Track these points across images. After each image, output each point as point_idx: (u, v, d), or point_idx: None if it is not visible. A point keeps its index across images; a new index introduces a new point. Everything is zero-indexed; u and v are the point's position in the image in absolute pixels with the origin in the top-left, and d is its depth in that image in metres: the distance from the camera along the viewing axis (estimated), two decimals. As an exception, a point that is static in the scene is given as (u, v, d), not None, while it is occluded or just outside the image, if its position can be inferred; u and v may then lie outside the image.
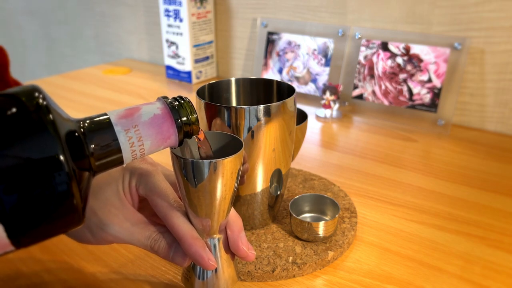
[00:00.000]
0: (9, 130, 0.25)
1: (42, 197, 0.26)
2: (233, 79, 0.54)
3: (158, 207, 0.36)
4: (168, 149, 0.35)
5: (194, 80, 1.12)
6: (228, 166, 0.34)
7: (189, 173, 0.34)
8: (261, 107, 0.44)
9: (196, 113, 0.33)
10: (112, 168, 0.31)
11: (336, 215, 0.49)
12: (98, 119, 0.31)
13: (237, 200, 0.49)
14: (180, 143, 0.33)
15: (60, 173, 0.26)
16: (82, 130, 0.30)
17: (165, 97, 0.33)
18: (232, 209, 0.39)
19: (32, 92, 0.28)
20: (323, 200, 0.53)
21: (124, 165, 0.32)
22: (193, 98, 0.49)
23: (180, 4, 1.06)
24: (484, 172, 0.67)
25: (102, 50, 1.50)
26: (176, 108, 0.32)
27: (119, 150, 0.31)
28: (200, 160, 0.33)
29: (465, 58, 0.79)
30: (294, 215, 0.49)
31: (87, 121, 0.30)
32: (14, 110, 0.26)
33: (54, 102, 0.29)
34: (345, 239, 0.49)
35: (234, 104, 0.54)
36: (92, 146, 0.30)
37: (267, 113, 0.45)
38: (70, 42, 1.61)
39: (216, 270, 0.38)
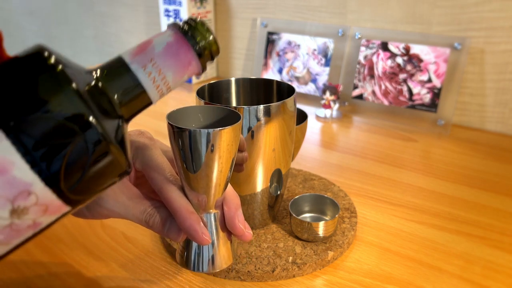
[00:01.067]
0: (38, 92, 0.26)
1: (82, 154, 0.26)
2: (233, 79, 0.54)
3: (154, 180, 0.36)
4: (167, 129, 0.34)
5: (194, 80, 1.12)
6: (224, 137, 0.33)
7: (185, 143, 0.33)
8: (261, 107, 0.44)
9: (212, 33, 0.32)
10: (143, 109, 0.31)
11: (336, 215, 0.49)
12: (112, 64, 0.30)
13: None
14: (204, 67, 0.32)
15: (94, 127, 0.26)
16: (100, 80, 0.29)
17: (176, 23, 0.32)
18: (230, 187, 0.38)
19: (41, 52, 0.27)
20: (323, 200, 0.53)
21: (154, 104, 0.32)
22: (193, 98, 0.50)
23: (180, 4, 1.06)
24: (484, 172, 0.67)
25: (102, 50, 1.50)
26: (189, 31, 0.31)
27: (142, 90, 0.30)
28: (196, 129, 0.32)
29: (465, 58, 0.80)
30: (294, 215, 0.49)
31: (103, 69, 0.29)
32: (36, 74, 0.26)
33: (62, 55, 0.28)
34: (345, 239, 0.49)
35: (234, 104, 0.54)
36: (115, 94, 0.29)
37: (267, 113, 0.45)
38: (70, 42, 1.61)
39: (211, 247, 0.37)
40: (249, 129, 0.45)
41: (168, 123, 0.34)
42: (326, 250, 0.48)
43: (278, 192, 0.51)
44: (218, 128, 0.33)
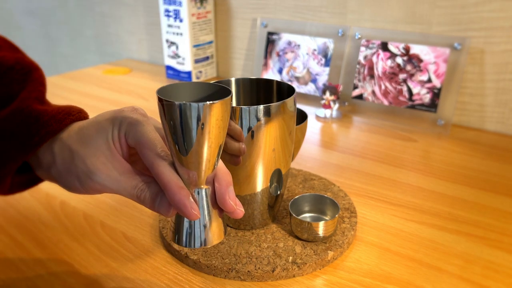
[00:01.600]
0: None
1: None
2: (233, 79, 0.54)
3: (145, 156, 0.36)
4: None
5: (194, 80, 1.12)
6: (214, 111, 0.33)
7: (174, 117, 0.33)
8: (261, 107, 0.44)
9: None
10: None
11: (336, 215, 0.49)
12: None
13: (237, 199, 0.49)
14: None
15: None
16: None
17: None
18: (222, 164, 0.38)
19: None
20: (323, 200, 0.53)
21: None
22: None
23: (180, 4, 1.06)
24: (484, 172, 0.67)
25: (102, 50, 1.50)
26: None
27: None
28: (186, 103, 0.32)
29: (465, 58, 0.80)
30: (294, 215, 0.49)
31: None
32: None
33: None
34: (345, 239, 0.49)
35: (234, 104, 0.54)
36: None
37: (267, 113, 0.45)
38: (70, 42, 1.61)
39: (202, 223, 0.36)
40: (249, 129, 0.45)
41: (158, 97, 0.34)
42: (326, 250, 0.48)
43: (278, 192, 0.51)
44: (208, 102, 0.33)
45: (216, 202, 0.37)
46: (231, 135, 0.45)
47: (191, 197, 0.35)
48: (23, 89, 0.41)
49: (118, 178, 0.36)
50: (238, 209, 0.37)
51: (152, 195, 0.36)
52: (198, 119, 0.33)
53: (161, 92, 0.35)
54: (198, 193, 0.36)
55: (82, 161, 0.37)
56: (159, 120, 0.38)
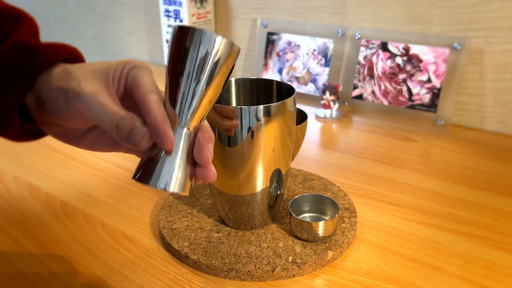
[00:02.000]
0: None
1: None
2: (233, 79, 0.54)
3: (138, 92, 0.36)
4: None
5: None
6: (222, 47, 0.34)
7: (184, 41, 0.34)
8: (261, 107, 0.44)
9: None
10: None
11: (336, 215, 0.49)
12: None
13: (237, 199, 0.49)
14: None
15: None
16: None
17: None
18: (207, 124, 0.38)
19: None
20: (323, 200, 0.53)
21: None
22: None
23: (180, 4, 1.06)
24: (483, 172, 0.67)
25: (102, 50, 1.50)
26: None
27: None
28: (203, 29, 0.33)
29: (464, 58, 0.80)
30: (294, 215, 0.49)
31: None
32: None
33: None
34: (344, 239, 0.50)
35: (234, 104, 0.54)
36: None
37: (267, 113, 0.45)
38: (70, 42, 1.60)
39: (170, 164, 0.35)
40: (249, 129, 0.45)
41: (180, 26, 0.34)
42: (326, 249, 0.48)
43: (278, 192, 0.51)
44: (222, 36, 0.33)
45: (191, 157, 0.37)
46: (225, 115, 0.45)
47: (171, 129, 0.35)
48: (16, 29, 0.42)
49: (104, 104, 0.36)
50: (212, 168, 0.37)
51: (131, 125, 0.35)
52: (214, 52, 0.34)
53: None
54: (179, 132, 0.36)
55: (77, 82, 0.37)
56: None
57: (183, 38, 0.34)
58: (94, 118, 0.37)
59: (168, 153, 0.35)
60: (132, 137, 0.35)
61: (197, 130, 0.37)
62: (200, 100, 0.35)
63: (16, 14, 0.44)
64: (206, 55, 0.34)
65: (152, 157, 0.36)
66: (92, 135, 0.41)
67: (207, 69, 0.34)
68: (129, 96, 0.39)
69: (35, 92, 0.39)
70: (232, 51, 0.34)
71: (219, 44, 0.34)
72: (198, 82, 0.35)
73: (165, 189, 0.34)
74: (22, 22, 0.43)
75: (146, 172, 0.35)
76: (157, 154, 0.35)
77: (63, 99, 0.37)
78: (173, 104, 0.35)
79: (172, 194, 0.38)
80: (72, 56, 0.41)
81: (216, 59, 0.34)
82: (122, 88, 0.39)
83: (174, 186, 0.35)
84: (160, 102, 0.36)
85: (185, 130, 0.36)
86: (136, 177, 0.35)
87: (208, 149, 0.37)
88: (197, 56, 0.34)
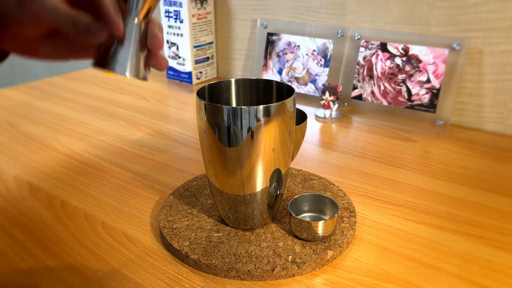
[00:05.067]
0: None
1: None
2: (233, 80, 0.54)
3: None
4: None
5: (194, 80, 1.13)
6: None
7: None
8: (261, 107, 0.45)
9: None
10: None
11: (335, 215, 0.49)
12: None
13: (237, 199, 0.49)
14: None
15: None
16: None
17: None
18: (156, 19, 0.41)
19: None
20: (323, 200, 0.53)
21: None
22: (193, 99, 0.50)
23: (180, 5, 1.06)
24: (482, 172, 0.67)
25: (102, 51, 1.50)
26: None
27: None
28: None
29: (463, 59, 0.80)
30: (293, 214, 0.49)
31: None
32: None
33: None
34: (344, 239, 0.50)
35: (234, 104, 0.55)
36: None
37: (267, 113, 0.45)
38: (71, 43, 1.61)
39: (126, 50, 0.39)
40: (249, 129, 0.45)
41: None
42: (326, 249, 0.48)
43: (278, 192, 0.51)
44: None
45: (145, 47, 0.40)
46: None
47: (121, 18, 0.38)
48: None
49: (57, 5, 0.38)
50: (163, 56, 0.41)
51: (87, 19, 0.38)
52: None
53: None
54: (130, 23, 0.39)
55: None
56: None
57: None
58: (48, 16, 0.38)
59: (121, 41, 0.39)
60: (90, 31, 0.38)
61: (148, 22, 0.41)
62: None
63: None
64: None
65: (108, 46, 0.40)
66: (48, 42, 0.42)
67: None
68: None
69: None
70: None
71: None
72: None
73: (122, 73, 0.39)
74: None
75: (105, 60, 0.39)
76: (112, 44, 0.39)
77: (15, 3, 0.38)
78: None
79: (130, 78, 0.43)
80: None
81: None
82: None
83: (130, 70, 0.39)
84: None
85: (136, 20, 0.40)
86: (96, 64, 0.40)
87: (160, 36, 0.41)
88: None
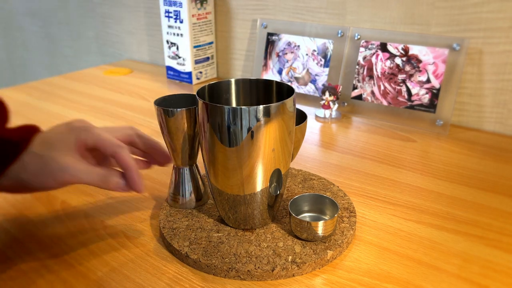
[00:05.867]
0: None
1: None
2: (233, 80, 0.54)
3: (108, 148, 0.47)
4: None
5: (194, 80, 1.13)
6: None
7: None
8: (261, 107, 0.45)
9: None
10: None
11: (335, 215, 0.49)
12: None
13: (237, 199, 0.49)
14: None
15: None
16: None
17: None
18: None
19: None
20: (323, 200, 0.53)
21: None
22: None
23: (180, 5, 1.06)
24: (482, 172, 0.67)
25: (103, 51, 1.51)
26: None
27: None
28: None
29: (463, 59, 0.80)
30: (293, 214, 0.49)
31: None
32: None
33: None
34: (344, 239, 0.50)
35: (234, 104, 0.55)
36: None
37: (267, 113, 0.45)
38: (71, 43, 1.61)
39: (188, 188, 0.55)
40: (249, 129, 0.45)
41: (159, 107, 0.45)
42: (326, 249, 0.48)
43: (278, 192, 0.51)
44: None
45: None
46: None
47: (140, 175, 0.47)
48: None
49: (87, 169, 0.46)
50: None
51: (117, 177, 0.47)
52: None
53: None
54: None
55: (56, 162, 0.45)
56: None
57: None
58: (80, 181, 0.46)
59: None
60: (119, 187, 0.47)
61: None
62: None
63: None
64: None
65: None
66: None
67: None
68: (87, 154, 0.49)
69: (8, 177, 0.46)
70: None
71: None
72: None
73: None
74: None
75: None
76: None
77: (50, 178, 0.45)
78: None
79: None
80: (31, 134, 0.48)
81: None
82: (82, 150, 0.47)
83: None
84: (128, 152, 0.47)
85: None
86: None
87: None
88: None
